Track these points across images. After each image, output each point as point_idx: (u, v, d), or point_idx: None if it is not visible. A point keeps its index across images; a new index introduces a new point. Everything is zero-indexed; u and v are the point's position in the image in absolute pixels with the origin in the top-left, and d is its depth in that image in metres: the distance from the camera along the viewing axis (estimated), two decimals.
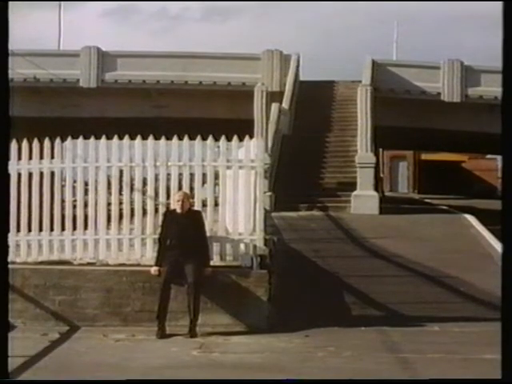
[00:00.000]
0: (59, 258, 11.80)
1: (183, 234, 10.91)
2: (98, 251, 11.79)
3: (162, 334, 10.57)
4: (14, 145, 11.61)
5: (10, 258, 10.25)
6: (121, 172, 11.89)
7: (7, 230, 4.67)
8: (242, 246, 11.59)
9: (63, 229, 11.83)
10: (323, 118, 28.25)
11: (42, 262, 11.74)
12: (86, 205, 11.98)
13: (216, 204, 11.85)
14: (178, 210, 11.04)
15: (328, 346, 9.88)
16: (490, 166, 59.45)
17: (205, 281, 10.81)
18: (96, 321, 11.11)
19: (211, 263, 11.17)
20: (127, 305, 11.16)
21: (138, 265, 11.54)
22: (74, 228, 11.86)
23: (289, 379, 8.26)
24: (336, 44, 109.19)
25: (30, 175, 11.90)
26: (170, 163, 11.81)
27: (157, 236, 11.39)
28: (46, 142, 11.94)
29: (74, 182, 12.12)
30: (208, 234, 11.45)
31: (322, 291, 12.95)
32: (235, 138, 11.87)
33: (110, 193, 12.00)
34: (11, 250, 11.17)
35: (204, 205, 11.63)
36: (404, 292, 13.21)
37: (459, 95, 30.84)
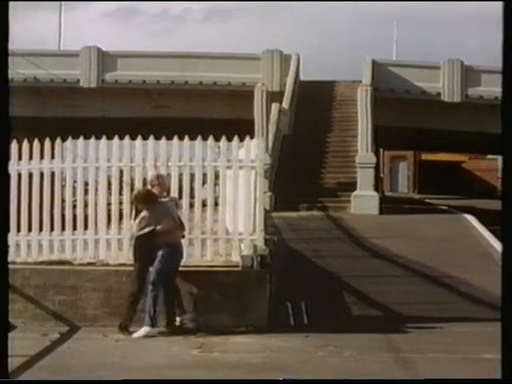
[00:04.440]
0: (59, 258, 11.80)
1: None
2: (98, 251, 11.79)
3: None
4: (14, 145, 11.61)
5: (11, 257, 10.25)
6: (121, 172, 11.89)
7: (7, 230, 4.67)
8: (242, 246, 11.59)
9: (63, 229, 11.84)
10: (323, 118, 28.26)
11: (42, 262, 11.74)
12: (86, 205, 11.99)
13: (216, 204, 11.86)
14: None
15: (328, 346, 9.88)
16: (491, 167, 59.41)
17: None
18: (96, 321, 11.11)
19: (211, 263, 11.21)
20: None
21: None
22: (75, 228, 11.87)
23: (288, 379, 8.25)
24: (336, 44, 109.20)
25: (31, 175, 11.90)
26: (170, 163, 11.81)
27: None
28: (47, 142, 11.94)
29: (75, 182, 12.13)
30: (208, 233, 11.48)
31: (322, 291, 12.95)
32: (235, 138, 11.88)
33: (110, 193, 12.01)
34: (11, 250, 11.17)
35: (204, 205, 11.63)
36: (404, 292, 13.22)
37: (459, 95, 30.85)
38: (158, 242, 10.74)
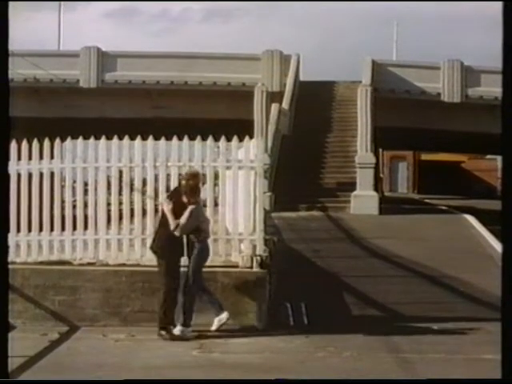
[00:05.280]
0: (59, 258, 11.80)
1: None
2: (97, 251, 11.79)
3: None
4: (13, 145, 11.60)
5: (10, 258, 10.25)
6: (120, 172, 11.89)
7: (7, 230, 4.67)
8: (241, 246, 11.58)
9: (63, 229, 11.83)
10: (323, 119, 28.27)
11: (41, 262, 11.74)
12: (85, 205, 11.98)
13: (216, 204, 11.85)
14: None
15: (328, 346, 9.88)
16: (490, 167, 59.45)
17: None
18: (96, 321, 11.11)
19: (210, 263, 11.19)
20: (127, 305, 11.16)
21: (138, 265, 11.54)
22: (74, 228, 11.87)
23: (288, 379, 8.26)
24: (336, 44, 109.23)
25: (30, 175, 11.89)
26: (169, 163, 11.81)
27: None
28: (46, 143, 11.94)
29: (74, 182, 12.13)
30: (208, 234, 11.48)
31: (322, 291, 12.94)
32: (235, 138, 11.88)
33: (109, 193, 12.00)
34: (11, 250, 11.16)
35: (204, 205, 11.62)
36: (404, 292, 13.22)
37: (459, 95, 30.87)
38: (197, 239, 10.54)
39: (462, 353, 9.68)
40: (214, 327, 10.51)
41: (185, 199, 10.64)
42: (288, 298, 12.03)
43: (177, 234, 10.52)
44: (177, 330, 10.43)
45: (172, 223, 10.53)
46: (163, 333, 10.40)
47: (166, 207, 10.62)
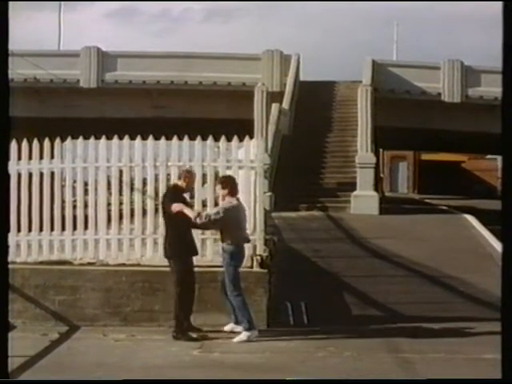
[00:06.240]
0: (59, 258, 11.80)
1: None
2: (98, 251, 11.79)
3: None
4: (13, 145, 11.61)
5: (11, 257, 10.25)
6: (121, 172, 11.89)
7: (7, 230, 4.67)
8: None
9: (63, 229, 11.84)
10: (323, 119, 28.25)
11: (42, 262, 11.74)
12: (86, 205, 11.99)
13: (216, 204, 11.84)
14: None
15: (328, 346, 9.88)
16: (490, 167, 59.44)
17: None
18: (96, 321, 11.12)
19: (211, 262, 11.19)
20: (127, 305, 11.17)
21: (138, 265, 11.55)
22: (75, 228, 11.87)
23: (289, 379, 8.25)
24: (336, 44, 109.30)
25: (30, 175, 11.90)
26: (169, 163, 11.81)
27: (157, 236, 11.47)
28: (46, 142, 11.94)
29: (74, 182, 12.13)
30: (208, 233, 11.45)
31: (322, 291, 12.95)
32: (235, 138, 11.88)
33: (110, 193, 12.01)
34: (11, 249, 11.16)
35: (204, 205, 11.63)
36: (404, 292, 13.21)
37: (459, 95, 30.86)
38: (229, 242, 10.47)
39: (462, 353, 9.68)
40: (226, 328, 10.53)
41: (220, 195, 10.67)
42: (288, 298, 12.03)
43: (198, 221, 10.37)
44: (243, 335, 10.31)
45: (191, 213, 10.40)
46: (175, 334, 10.34)
47: (173, 207, 10.36)
